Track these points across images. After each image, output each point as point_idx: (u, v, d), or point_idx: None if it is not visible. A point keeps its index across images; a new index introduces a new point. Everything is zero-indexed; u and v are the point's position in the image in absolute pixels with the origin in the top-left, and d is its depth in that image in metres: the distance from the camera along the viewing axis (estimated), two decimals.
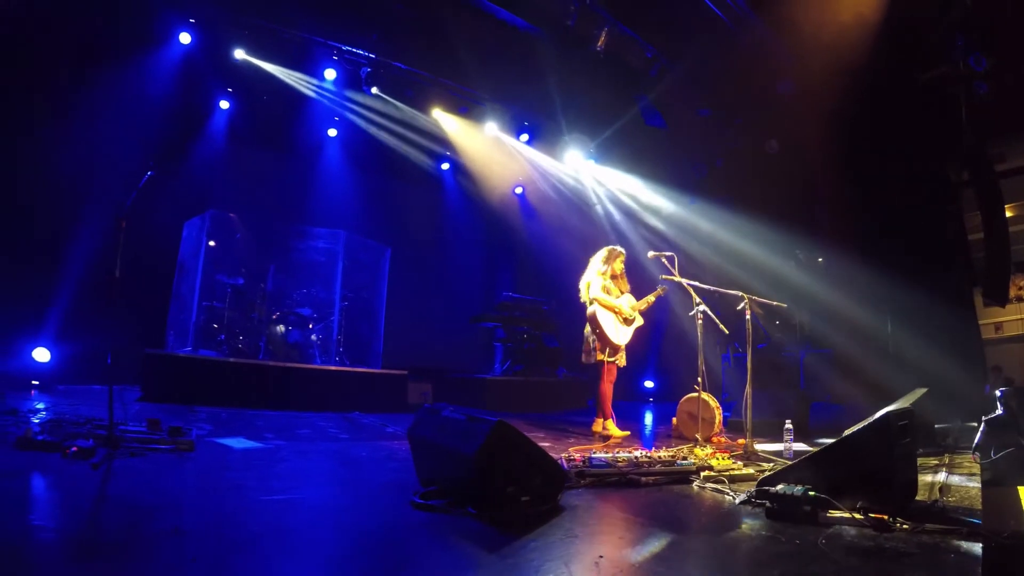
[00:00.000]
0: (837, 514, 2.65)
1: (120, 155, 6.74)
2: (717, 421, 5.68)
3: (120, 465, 3.26)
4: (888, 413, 2.78)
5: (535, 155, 10.53)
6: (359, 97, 9.00)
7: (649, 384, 10.52)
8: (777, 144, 10.19)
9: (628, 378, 10.63)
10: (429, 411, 3.36)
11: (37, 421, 3.96)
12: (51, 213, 6.62)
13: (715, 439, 5.49)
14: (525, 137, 10.32)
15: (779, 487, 2.81)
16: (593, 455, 3.69)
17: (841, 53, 8.48)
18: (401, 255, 8.90)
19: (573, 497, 3.12)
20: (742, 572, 2.22)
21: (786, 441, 4.63)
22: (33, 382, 6.02)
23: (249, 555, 2.14)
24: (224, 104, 8.73)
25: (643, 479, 3.48)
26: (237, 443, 4.26)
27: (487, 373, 9.20)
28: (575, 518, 2.76)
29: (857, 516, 2.61)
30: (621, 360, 5.82)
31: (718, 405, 5.75)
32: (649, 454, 3.88)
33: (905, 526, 2.54)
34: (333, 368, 7.37)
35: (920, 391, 4.96)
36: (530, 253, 11.10)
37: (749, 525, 2.71)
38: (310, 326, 7.89)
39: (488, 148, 10.12)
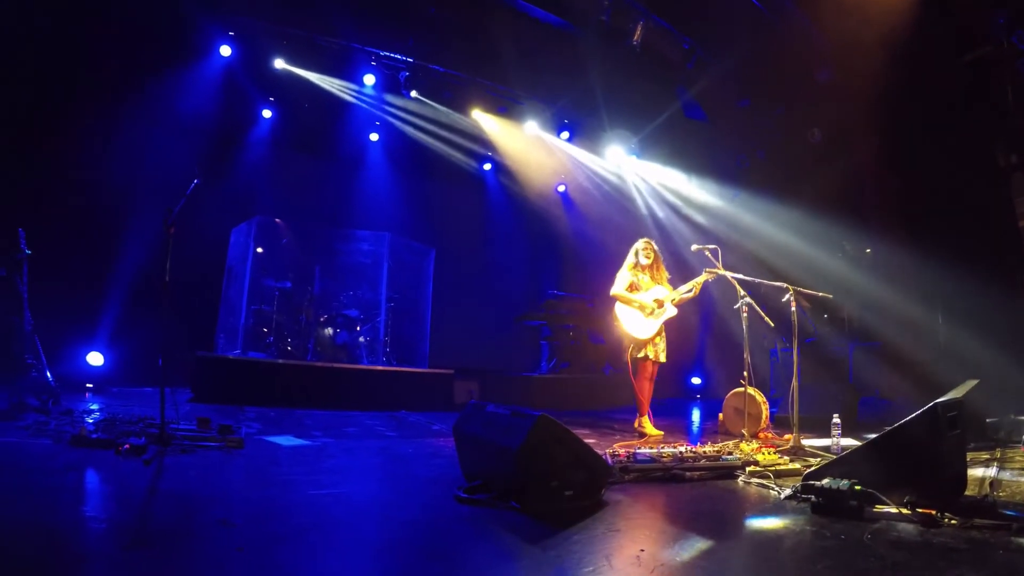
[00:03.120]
0: (883, 508, 2.59)
1: (167, 165, 6.93)
2: (764, 416, 5.49)
3: (171, 461, 3.31)
4: (937, 404, 2.67)
5: (576, 152, 10.43)
6: (398, 101, 9.08)
7: (696, 381, 10.27)
8: (820, 133, 9.87)
9: (675, 375, 10.38)
10: (475, 407, 3.32)
11: (91, 420, 4.08)
12: (103, 221, 6.88)
13: (762, 434, 5.31)
14: (566, 135, 10.24)
15: (824, 481, 2.72)
16: (638, 451, 3.58)
17: (881, 37, 8.17)
18: (446, 255, 8.92)
19: (617, 492, 3.06)
20: (786, 567, 2.13)
21: (834, 436, 4.47)
22: (87, 385, 6.24)
23: (294, 546, 2.12)
24: (267, 113, 8.92)
25: (687, 474, 3.41)
26: (285, 441, 4.29)
27: (534, 371, 9.11)
28: (618, 512, 2.71)
29: (904, 511, 2.53)
30: (657, 355, 5.57)
31: (764, 400, 5.56)
32: (694, 449, 3.75)
33: (953, 521, 2.46)
34: (380, 368, 7.42)
35: (972, 382, 4.69)
36: (574, 250, 10.99)
37: (794, 520, 2.63)
38: (357, 327, 7.97)
39: (528, 147, 10.09)
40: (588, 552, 2.12)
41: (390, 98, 9.05)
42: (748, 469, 3.53)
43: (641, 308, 5.52)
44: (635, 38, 8.25)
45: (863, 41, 8.53)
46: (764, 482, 3.29)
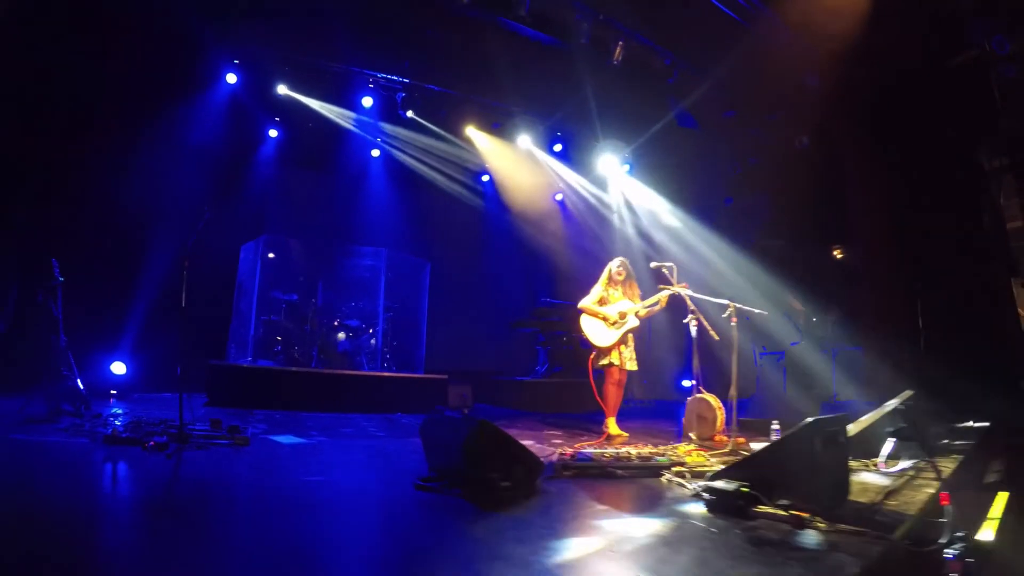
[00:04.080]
0: (764, 509, 2.97)
1: (182, 188, 7.83)
2: (719, 420, 6.01)
3: (188, 455, 4.11)
4: (814, 421, 3.11)
5: (562, 168, 11.13)
6: (396, 121, 9.85)
7: (687, 383, 10.90)
8: (807, 139, 10.40)
9: (667, 377, 11.05)
10: (438, 412, 4.08)
11: (119, 423, 4.87)
12: (125, 244, 7.74)
13: (716, 438, 5.85)
14: (559, 147, 10.93)
15: (719, 483, 3.19)
16: (582, 451, 4.29)
17: (865, 42, 8.61)
18: (443, 266, 9.73)
19: (554, 485, 3.75)
20: (659, 547, 2.65)
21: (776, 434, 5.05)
22: (112, 392, 7.10)
23: (284, 517, 2.91)
24: (273, 132, 9.76)
25: (619, 472, 4.05)
26: (286, 439, 5.08)
27: (528, 376, 9.82)
28: (548, 501, 3.40)
29: (781, 512, 2.89)
30: (623, 362, 6.17)
31: (720, 406, 6.09)
32: (631, 450, 4.44)
33: (821, 524, 2.82)
34: (378, 374, 8.22)
35: (907, 393, 5.31)
36: (566, 259, 11.66)
37: (689, 514, 3.15)
38: (358, 336, 8.77)
39: (520, 161, 10.80)
40: (511, 528, 2.81)
41: (387, 125, 9.83)
42: (674, 469, 4.08)
43: (604, 319, 6.20)
44: (615, 57, 8.90)
45: (847, 46, 9.05)
46: (682, 481, 3.79)
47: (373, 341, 8.69)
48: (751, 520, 2.95)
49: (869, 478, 3.89)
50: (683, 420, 6.46)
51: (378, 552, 2.59)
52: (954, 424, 6.04)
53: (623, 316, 6.20)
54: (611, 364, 6.17)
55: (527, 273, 12.05)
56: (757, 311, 5.70)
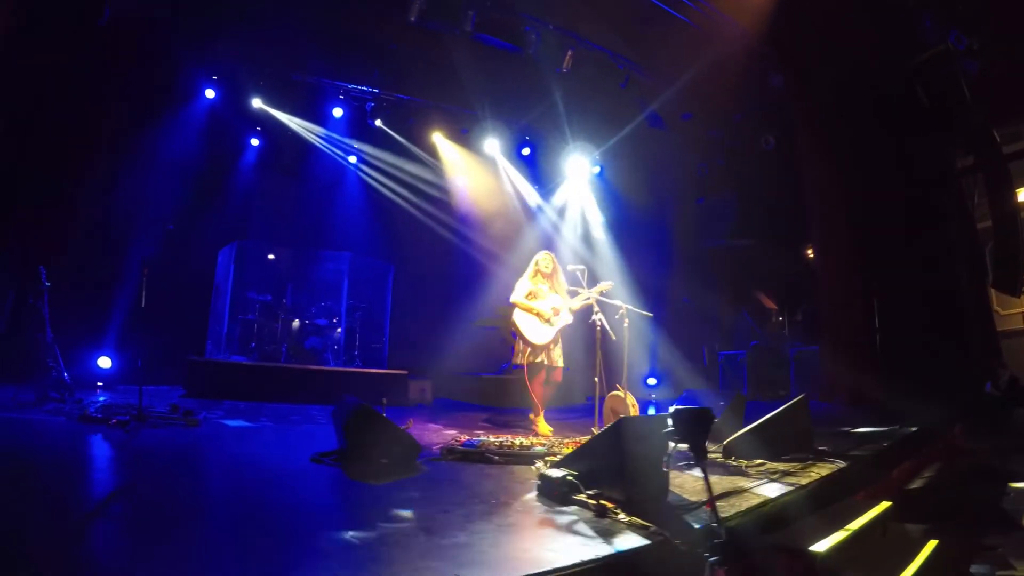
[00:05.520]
0: (579, 497, 3.37)
1: (165, 194, 9.04)
2: None
3: (144, 432, 5.30)
4: (619, 420, 3.55)
5: (515, 174, 12.16)
6: (365, 132, 11.00)
7: (652, 381, 11.79)
8: (773, 140, 11.13)
9: (632, 377, 11.92)
10: (346, 399, 5.13)
11: (92, 407, 6.07)
12: (111, 246, 8.92)
13: None
14: (527, 151, 11.93)
15: (551, 471, 3.66)
16: (468, 439, 5.25)
17: (827, 42, 9.15)
18: (407, 268, 10.82)
19: (435, 466, 4.52)
20: (471, 520, 3.09)
21: None
22: (98, 383, 8.34)
23: (200, 475, 4.12)
24: (255, 141, 10.96)
25: (495, 458, 4.68)
26: (234, 423, 6.25)
27: (489, 372, 10.87)
28: (419, 478, 4.16)
29: (591, 502, 3.27)
30: (553, 360, 6.50)
31: (634, 403, 6.53)
32: (514, 440, 5.23)
33: (618, 514, 3.10)
34: (342, 369, 9.40)
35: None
36: (525, 261, 12.60)
37: (523, 497, 3.61)
38: (325, 334, 9.97)
39: (483, 168, 11.82)
40: (376, 495, 3.69)
41: (354, 142, 10.96)
42: (547, 458, 4.38)
43: (539, 315, 6.40)
44: (566, 65, 9.70)
45: (809, 46, 9.67)
46: (543, 468, 4.01)
47: (339, 330, 9.85)
48: (568, 505, 3.36)
49: (721, 478, 4.13)
50: (601, 417, 6.81)
51: (248, 502, 3.56)
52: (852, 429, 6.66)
53: (557, 312, 6.46)
54: (542, 363, 6.46)
55: (491, 272, 13.04)
56: (644, 312, 6.43)
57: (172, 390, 8.38)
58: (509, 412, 8.87)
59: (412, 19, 8.45)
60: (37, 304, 6.71)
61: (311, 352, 9.73)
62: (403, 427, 5.86)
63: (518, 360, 6.67)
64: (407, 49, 10.19)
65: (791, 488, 3.97)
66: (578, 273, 6.56)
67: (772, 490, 3.92)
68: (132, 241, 8.82)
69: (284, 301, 9.85)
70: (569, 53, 9.62)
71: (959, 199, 10.06)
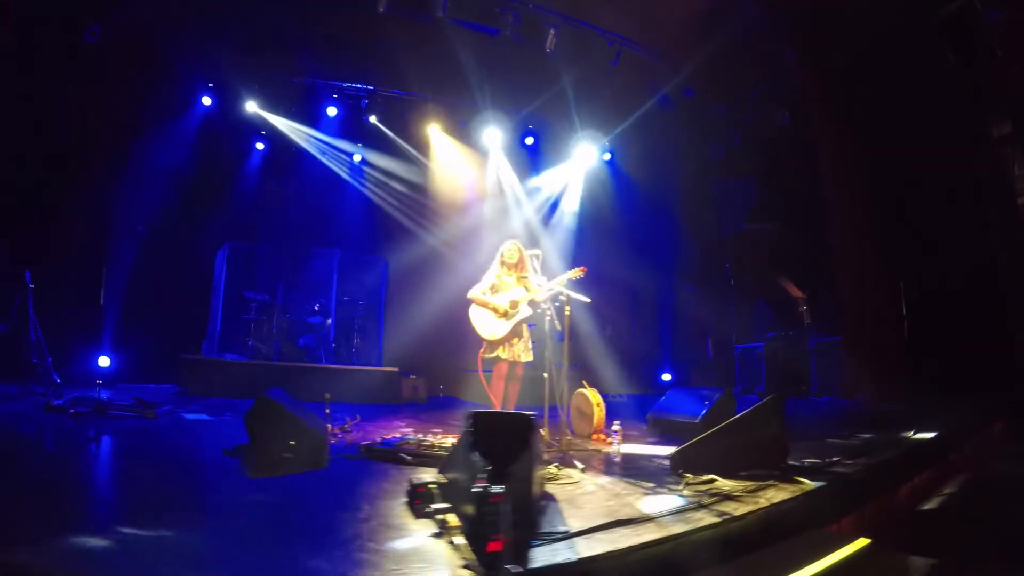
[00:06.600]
0: (431, 509, 3.26)
1: (164, 199, 9.69)
2: (596, 418, 6.41)
3: (101, 422, 5.88)
4: (473, 415, 3.41)
5: (508, 167, 12.21)
6: (360, 131, 11.42)
7: (667, 377, 11.68)
8: (788, 114, 10.80)
9: (644, 370, 11.84)
10: (270, 393, 5.37)
11: (61, 400, 6.63)
12: (110, 251, 9.64)
13: (595, 436, 6.33)
14: (531, 140, 12.05)
15: (422, 477, 3.57)
16: (387, 438, 5.41)
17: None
18: (402, 264, 11.17)
19: (341, 464, 4.70)
20: (332, 513, 3.40)
21: (615, 442, 5.65)
22: (97, 381, 9.01)
23: (138, 457, 4.73)
24: (260, 145, 11.53)
25: (408, 458, 4.79)
26: (193, 416, 6.70)
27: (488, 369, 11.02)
28: (324, 473, 4.37)
29: (438, 517, 3.16)
30: (515, 355, 6.35)
31: (600, 402, 6.50)
32: (434, 440, 5.28)
33: (456, 538, 2.86)
34: (333, 367, 9.79)
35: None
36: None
37: (398, 505, 3.53)
38: (317, 332, 10.44)
39: (480, 160, 12.07)
40: (267, 488, 3.93)
41: (345, 143, 11.40)
42: None
43: (494, 310, 6.28)
44: (549, 45, 9.55)
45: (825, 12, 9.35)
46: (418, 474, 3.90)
47: (328, 321, 10.26)
48: (423, 518, 3.25)
49: (625, 500, 3.76)
50: (569, 416, 6.62)
51: (146, 487, 3.90)
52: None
53: (515, 306, 6.26)
54: (499, 359, 6.35)
55: (484, 269, 13.11)
56: (584, 298, 6.18)
57: (170, 388, 8.96)
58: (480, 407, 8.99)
59: (382, 9, 8.63)
60: (26, 304, 7.36)
61: (304, 350, 10.20)
62: (346, 424, 6.20)
63: (483, 354, 6.50)
64: (401, 44, 10.42)
65: (718, 519, 3.23)
66: (534, 259, 6.55)
67: (688, 522, 3.18)
68: (130, 248, 9.50)
69: (277, 299, 10.36)
70: (552, 32, 9.52)
71: (996, 170, 9.54)
